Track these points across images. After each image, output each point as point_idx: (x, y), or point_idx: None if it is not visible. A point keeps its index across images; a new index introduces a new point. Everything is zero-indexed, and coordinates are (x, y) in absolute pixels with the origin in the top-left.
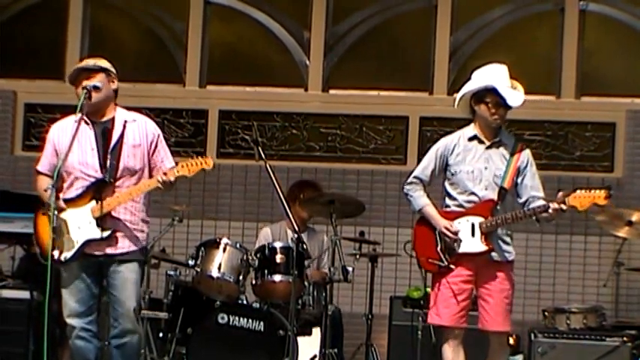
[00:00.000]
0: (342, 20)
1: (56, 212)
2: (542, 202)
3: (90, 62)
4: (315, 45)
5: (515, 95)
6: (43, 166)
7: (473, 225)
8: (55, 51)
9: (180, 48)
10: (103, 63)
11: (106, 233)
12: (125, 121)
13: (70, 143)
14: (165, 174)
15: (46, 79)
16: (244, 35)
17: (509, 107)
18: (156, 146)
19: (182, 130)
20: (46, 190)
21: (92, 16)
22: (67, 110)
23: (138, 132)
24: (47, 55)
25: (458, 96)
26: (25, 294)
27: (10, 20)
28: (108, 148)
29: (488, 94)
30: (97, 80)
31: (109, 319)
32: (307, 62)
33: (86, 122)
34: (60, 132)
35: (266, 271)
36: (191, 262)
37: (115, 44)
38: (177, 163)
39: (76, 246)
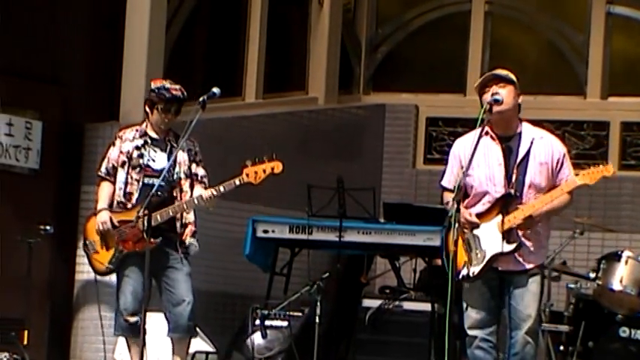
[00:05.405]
0: None
1: (458, 226)
2: None
3: (503, 72)
4: None
5: None
6: (449, 182)
7: None
8: (456, 65)
9: (581, 60)
10: (512, 76)
11: (512, 247)
12: (533, 138)
13: (471, 157)
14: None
15: (448, 93)
16: None
17: None
18: (562, 165)
19: (583, 142)
20: (447, 204)
21: (493, 29)
22: (468, 124)
23: (544, 150)
24: (449, 69)
25: None
26: (426, 306)
27: (413, 34)
28: (515, 163)
29: None
30: (503, 92)
31: (505, 331)
32: None
33: (492, 137)
34: (466, 147)
35: None
36: (592, 275)
37: (515, 57)
38: (577, 173)
39: (484, 261)
